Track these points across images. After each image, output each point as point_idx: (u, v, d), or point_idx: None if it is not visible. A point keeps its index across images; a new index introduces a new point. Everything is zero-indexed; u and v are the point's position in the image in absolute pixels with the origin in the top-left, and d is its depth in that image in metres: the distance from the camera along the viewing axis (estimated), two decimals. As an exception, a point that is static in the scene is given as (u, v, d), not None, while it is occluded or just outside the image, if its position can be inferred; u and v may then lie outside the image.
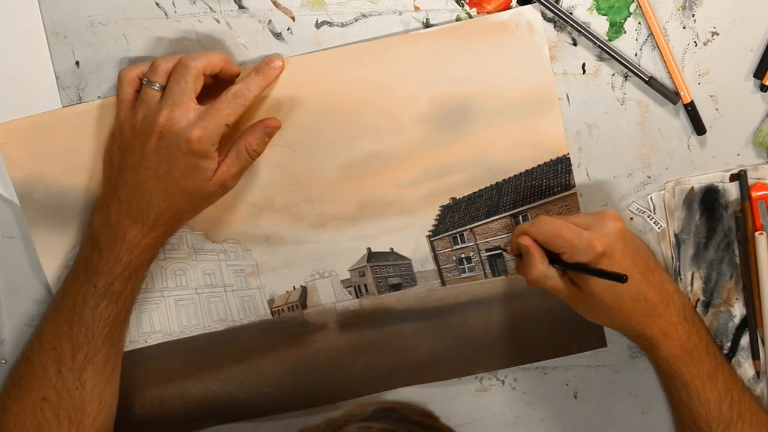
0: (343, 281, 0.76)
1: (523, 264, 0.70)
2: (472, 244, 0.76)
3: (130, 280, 0.69)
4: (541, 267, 0.67)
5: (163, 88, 0.66)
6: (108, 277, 0.68)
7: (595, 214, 0.68)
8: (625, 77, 0.72)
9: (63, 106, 0.72)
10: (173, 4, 0.71)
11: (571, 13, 0.71)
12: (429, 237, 0.76)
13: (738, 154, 0.74)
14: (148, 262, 0.70)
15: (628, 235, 0.67)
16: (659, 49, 0.71)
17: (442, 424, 0.56)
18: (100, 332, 0.68)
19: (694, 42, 0.72)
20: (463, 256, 0.76)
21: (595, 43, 0.71)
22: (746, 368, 0.78)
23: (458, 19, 0.71)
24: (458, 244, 0.76)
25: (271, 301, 0.77)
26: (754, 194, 0.73)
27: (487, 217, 0.75)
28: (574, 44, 0.72)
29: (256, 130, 0.68)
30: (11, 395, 0.69)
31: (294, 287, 0.76)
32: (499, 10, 0.70)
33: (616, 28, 0.71)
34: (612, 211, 0.68)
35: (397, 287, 0.77)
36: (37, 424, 0.68)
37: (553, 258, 0.68)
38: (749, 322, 0.76)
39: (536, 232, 0.67)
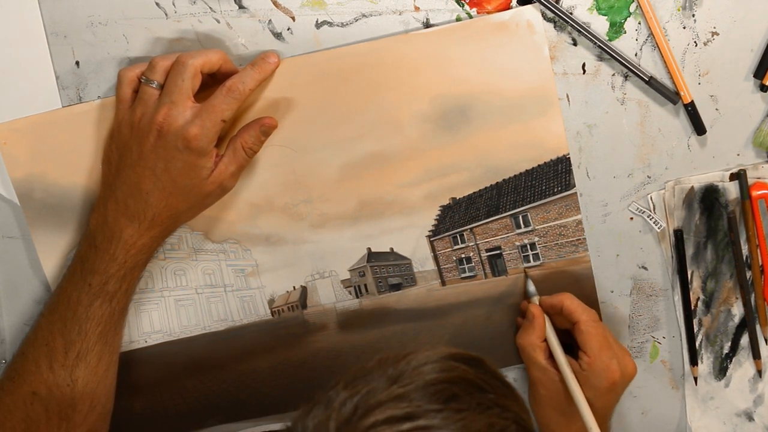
0: (343, 281, 0.76)
1: (522, 327, 0.74)
2: (472, 244, 0.76)
3: (125, 279, 0.69)
4: (535, 337, 0.72)
5: (162, 87, 0.66)
6: (103, 276, 0.68)
7: (623, 348, 0.72)
8: (625, 77, 0.72)
9: (63, 106, 0.72)
10: (173, 4, 0.71)
11: (571, 13, 0.71)
12: (429, 237, 0.76)
13: (738, 154, 0.74)
14: (144, 262, 0.70)
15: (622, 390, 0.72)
16: (659, 49, 0.71)
17: (517, 392, 0.56)
18: (93, 331, 0.68)
19: (694, 42, 0.72)
20: (463, 256, 0.76)
21: (595, 43, 0.71)
22: (747, 367, 0.78)
23: (458, 19, 0.71)
24: (458, 244, 0.76)
25: (271, 301, 0.77)
26: (754, 193, 0.73)
27: (487, 217, 0.75)
28: (574, 44, 0.72)
29: (252, 128, 0.68)
30: (4, 388, 0.70)
31: (294, 287, 0.76)
32: (499, 10, 0.71)
33: (616, 28, 0.71)
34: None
35: (397, 287, 0.77)
36: (27, 417, 0.68)
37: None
38: (748, 322, 0.77)
39: (577, 308, 0.71)
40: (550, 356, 0.72)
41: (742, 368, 0.78)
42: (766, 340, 0.77)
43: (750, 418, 0.79)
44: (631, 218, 0.75)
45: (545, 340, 0.72)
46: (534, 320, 0.72)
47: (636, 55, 0.72)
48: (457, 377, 0.51)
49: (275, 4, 0.71)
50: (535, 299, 0.74)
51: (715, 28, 0.71)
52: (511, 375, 0.79)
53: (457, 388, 0.50)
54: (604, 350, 0.69)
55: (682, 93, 0.72)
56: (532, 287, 0.75)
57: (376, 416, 0.48)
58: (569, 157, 0.73)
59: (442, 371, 0.51)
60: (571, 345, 0.72)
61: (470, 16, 0.71)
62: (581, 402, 0.68)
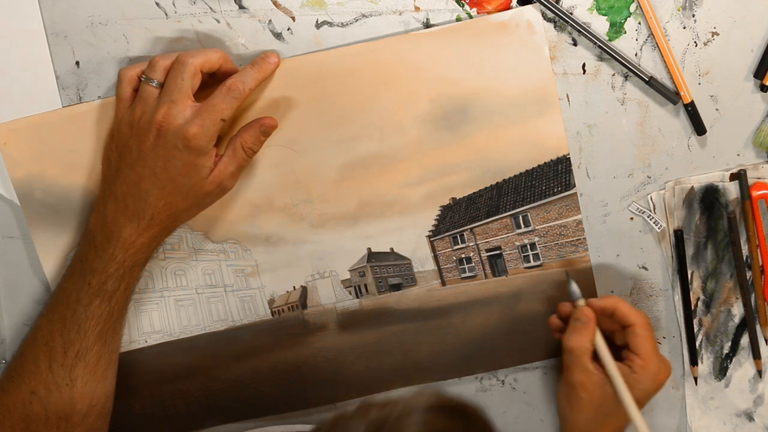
0: (343, 281, 0.76)
1: (572, 329, 0.71)
2: (472, 244, 0.76)
3: (123, 279, 0.68)
4: (586, 340, 0.70)
5: (162, 86, 0.66)
6: (102, 275, 0.67)
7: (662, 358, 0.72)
8: (625, 77, 0.72)
9: (63, 106, 0.72)
10: (173, 4, 0.71)
11: (571, 13, 0.71)
12: (429, 237, 0.76)
13: (738, 154, 0.74)
14: (143, 262, 0.70)
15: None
16: (659, 49, 0.71)
17: (489, 421, 0.54)
18: (93, 330, 0.68)
19: (694, 42, 0.72)
20: (463, 256, 0.76)
21: (595, 43, 0.71)
22: (747, 367, 0.78)
23: (458, 19, 0.71)
24: (458, 245, 0.76)
25: (271, 301, 0.77)
26: (754, 193, 0.73)
27: (487, 217, 0.75)
28: (574, 44, 0.72)
29: (251, 128, 0.68)
30: (4, 388, 0.70)
31: (294, 287, 0.76)
32: (499, 10, 0.71)
33: (616, 28, 0.71)
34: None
35: (397, 287, 0.77)
36: (26, 417, 0.68)
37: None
38: (748, 322, 0.77)
39: (631, 311, 0.70)
40: (594, 359, 0.71)
41: (742, 368, 0.78)
42: (766, 340, 0.77)
43: (750, 418, 0.79)
44: (631, 218, 0.75)
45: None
46: (588, 323, 0.70)
47: (636, 55, 0.72)
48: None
49: (275, 4, 0.71)
50: (581, 301, 0.72)
51: (715, 28, 0.71)
52: (512, 375, 0.79)
53: None
54: (655, 353, 0.70)
55: (682, 93, 0.72)
56: (576, 289, 0.72)
57: None
58: (569, 157, 0.73)
59: (424, 424, 0.49)
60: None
61: (470, 16, 0.71)
62: (631, 404, 0.68)
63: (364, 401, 0.52)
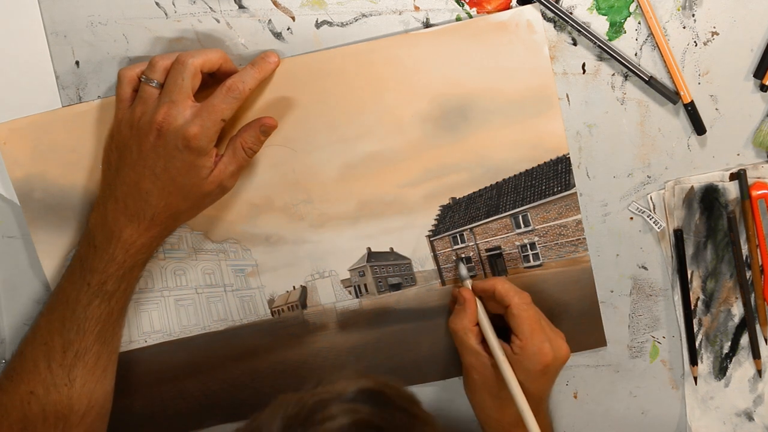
0: (343, 281, 0.76)
1: (455, 311, 0.73)
2: (472, 243, 0.76)
3: (123, 279, 0.68)
4: (467, 321, 0.71)
5: (161, 86, 0.66)
6: (101, 276, 0.67)
7: (556, 331, 0.71)
8: (625, 77, 0.72)
9: (63, 106, 0.72)
10: (173, 4, 0.71)
11: (571, 13, 0.71)
12: (429, 237, 0.76)
13: (738, 154, 0.74)
14: (143, 262, 0.70)
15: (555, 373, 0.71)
16: (659, 49, 0.71)
17: (424, 412, 0.53)
18: (92, 330, 0.68)
19: (694, 42, 0.72)
20: (463, 255, 0.76)
21: (595, 43, 0.71)
22: (747, 367, 0.78)
23: (458, 19, 0.71)
24: (458, 244, 0.76)
25: (271, 301, 0.77)
26: (754, 193, 0.73)
27: (487, 217, 0.75)
28: (574, 44, 0.72)
29: (251, 128, 0.68)
30: (2, 388, 0.70)
31: (294, 287, 0.76)
32: (499, 10, 0.71)
33: (616, 28, 0.71)
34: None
35: (397, 287, 0.77)
36: (23, 417, 0.68)
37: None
38: (748, 322, 0.77)
39: (509, 291, 0.70)
40: (483, 341, 0.71)
41: (742, 368, 0.78)
42: (766, 340, 0.77)
43: (750, 418, 0.79)
44: (631, 218, 0.76)
45: (477, 325, 0.72)
46: (465, 304, 0.72)
47: (636, 54, 0.72)
48: (352, 424, 0.48)
49: (275, 4, 0.71)
50: (467, 283, 0.73)
51: (715, 28, 0.71)
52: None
53: None
54: (536, 333, 0.69)
55: (682, 93, 0.72)
56: (464, 271, 0.74)
57: None
58: (569, 157, 0.73)
59: (346, 414, 0.48)
60: (506, 330, 0.71)
61: (470, 16, 0.71)
62: (513, 385, 0.68)
63: (286, 394, 0.50)
